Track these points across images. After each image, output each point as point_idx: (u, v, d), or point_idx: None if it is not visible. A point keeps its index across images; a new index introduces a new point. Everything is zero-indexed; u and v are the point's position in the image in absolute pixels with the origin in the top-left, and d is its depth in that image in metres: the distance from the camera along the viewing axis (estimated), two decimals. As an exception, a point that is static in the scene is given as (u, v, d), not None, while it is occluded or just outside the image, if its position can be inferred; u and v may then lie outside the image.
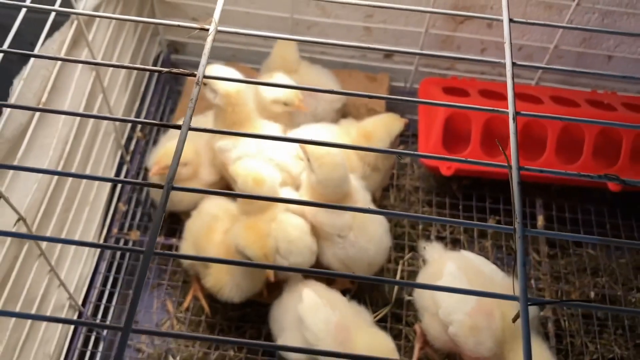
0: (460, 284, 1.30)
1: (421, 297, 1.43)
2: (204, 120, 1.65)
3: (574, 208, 1.83)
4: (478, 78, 1.92)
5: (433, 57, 1.94)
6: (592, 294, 1.70)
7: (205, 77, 0.77)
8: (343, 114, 1.80)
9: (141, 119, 0.80)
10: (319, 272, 0.78)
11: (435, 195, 1.84)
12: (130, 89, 1.74)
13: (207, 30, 0.81)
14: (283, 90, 1.62)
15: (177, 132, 1.61)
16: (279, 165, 1.55)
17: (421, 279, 1.44)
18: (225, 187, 1.66)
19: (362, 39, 1.89)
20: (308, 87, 0.86)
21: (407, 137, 1.98)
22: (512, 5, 1.60)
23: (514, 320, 0.64)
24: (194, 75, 0.78)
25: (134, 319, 1.69)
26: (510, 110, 0.78)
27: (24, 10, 1.03)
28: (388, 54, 1.94)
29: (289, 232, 1.44)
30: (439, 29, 1.82)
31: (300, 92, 1.64)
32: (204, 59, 0.78)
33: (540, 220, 1.78)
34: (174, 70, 0.77)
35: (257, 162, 1.48)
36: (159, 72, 0.76)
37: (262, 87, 1.63)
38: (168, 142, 1.64)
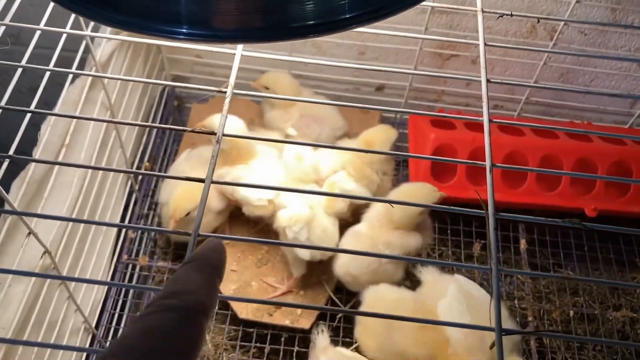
0: (461, 306, 1.42)
1: None
2: (206, 153, 1.77)
3: (554, 231, 1.96)
4: (464, 110, 2.05)
5: (421, 91, 2.07)
6: (572, 313, 1.82)
7: (224, 135, 0.89)
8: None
9: (166, 174, 0.91)
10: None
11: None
12: (139, 121, 1.85)
13: (225, 93, 0.93)
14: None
15: (184, 168, 1.74)
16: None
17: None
18: (234, 209, 1.79)
19: (354, 73, 2.02)
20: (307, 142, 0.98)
21: (399, 163, 2.10)
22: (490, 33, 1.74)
23: (491, 347, 0.76)
24: (214, 134, 0.89)
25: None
26: (487, 163, 0.90)
27: (47, 73, 1.14)
28: (379, 87, 2.07)
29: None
30: (426, 66, 1.95)
31: (304, 118, 1.78)
32: (222, 120, 0.90)
33: (522, 243, 1.90)
34: (197, 129, 0.89)
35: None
36: (184, 131, 0.87)
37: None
38: (175, 190, 1.72)
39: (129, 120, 1.74)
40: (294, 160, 1.67)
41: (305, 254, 1.62)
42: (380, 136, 1.76)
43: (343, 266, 1.63)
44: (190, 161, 1.78)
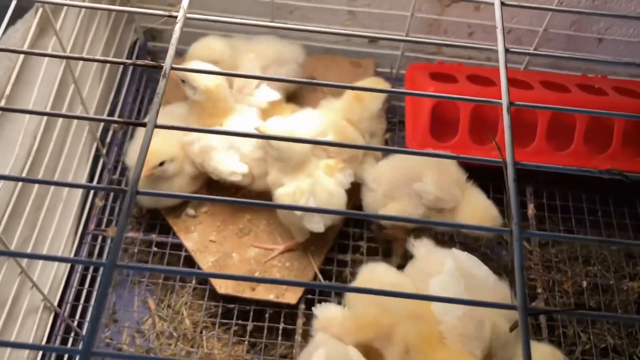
0: (458, 285, 1.25)
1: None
2: (179, 110, 1.59)
3: (565, 195, 1.79)
4: (465, 63, 1.86)
5: (419, 43, 1.88)
6: (585, 283, 1.66)
7: (173, 68, 0.71)
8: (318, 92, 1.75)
9: (104, 117, 0.73)
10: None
11: (423, 185, 1.78)
12: (105, 79, 1.66)
13: (176, 17, 0.75)
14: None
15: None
16: (245, 156, 1.53)
17: (407, 274, 1.39)
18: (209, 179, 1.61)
19: (346, 23, 1.83)
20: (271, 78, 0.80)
21: (394, 124, 1.92)
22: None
23: (512, 330, 0.59)
24: (161, 67, 0.71)
25: (114, 317, 1.64)
26: (504, 100, 0.72)
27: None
28: (373, 39, 1.88)
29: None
30: (424, 13, 1.75)
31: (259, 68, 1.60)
32: (171, 49, 0.72)
33: (530, 208, 1.73)
34: (139, 62, 0.70)
35: (285, 121, 1.49)
36: (123, 64, 0.69)
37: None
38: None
39: (89, 80, 1.54)
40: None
41: (318, 227, 1.46)
42: (372, 93, 1.58)
43: None
44: (161, 118, 1.59)
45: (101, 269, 1.64)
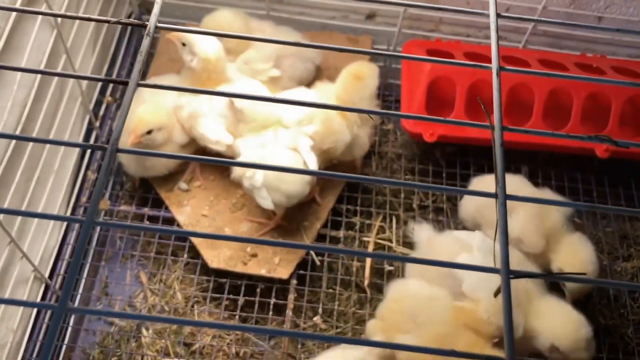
0: (487, 260, 1.25)
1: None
2: (170, 80, 1.58)
3: (561, 176, 1.78)
4: (463, 41, 1.84)
5: (417, 19, 1.86)
6: (578, 264, 1.65)
7: (157, 27, 0.69)
8: (319, 77, 1.72)
9: (85, 75, 0.73)
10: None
11: (418, 163, 1.77)
12: (99, 50, 1.64)
13: (161, -25, 0.73)
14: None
15: (146, 96, 1.55)
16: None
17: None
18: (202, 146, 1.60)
19: (343, -3, 1.80)
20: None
21: (390, 102, 1.90)
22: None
23: (495, 295, 0.58)
24: (145, 26, 0.70)
25: (106, 290, 1.64)
26: (494, 65, 0.71)
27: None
28: (370, 15, 1.85)
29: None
30: (422, -12, 1.73)
31: (275, 52, 1.57)
32: (156, 7, 0.70)
33: (526, 188, 1.72)
34: (123, 20, 0.69)
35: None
36: (107, 22, 0.68)
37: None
38: (138, 108, 1.56)
39: (81, 51, 1.53)
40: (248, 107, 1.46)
41: (266, 203, 1.45)
42: (369, 72, 1.56)
43: None
44: (151, 90, 1.58)
45: (93, 243, 1.64)
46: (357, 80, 1.54)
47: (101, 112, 1.71)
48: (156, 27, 0.69)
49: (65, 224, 1.57)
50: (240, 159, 1.44)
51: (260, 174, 1.42)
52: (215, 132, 1.49)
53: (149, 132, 1.47)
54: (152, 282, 1.59)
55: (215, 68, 1.50)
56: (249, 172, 1.43)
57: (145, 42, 0.68)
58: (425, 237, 1.42)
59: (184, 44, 1.49)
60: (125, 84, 0.65)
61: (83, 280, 1.60)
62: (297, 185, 1.43)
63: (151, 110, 1.47)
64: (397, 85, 1.82)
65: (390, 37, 1.86)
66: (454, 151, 1.78)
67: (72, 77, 1.28)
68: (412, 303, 1.24)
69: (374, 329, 1.26)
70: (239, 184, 1.53)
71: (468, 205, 1.51)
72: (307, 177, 1.43)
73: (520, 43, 1.83)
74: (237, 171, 1.46)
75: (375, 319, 1.30)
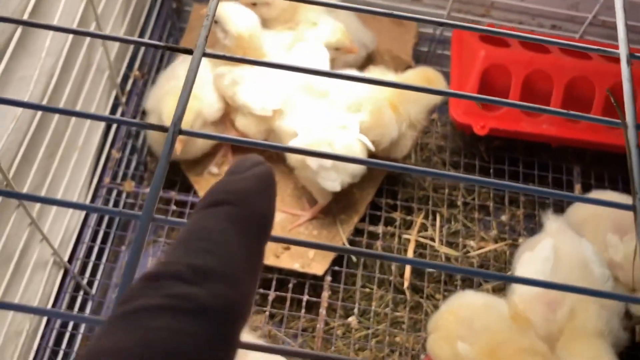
0: (543, 263, 1.14)
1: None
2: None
3: (614, 177, 1.66)
4: (517, 28, 1.72)
5: (466, 2, 1.73)
6: None
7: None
8: (373, 62, 1.60)
9: (145, 40, 0.62)
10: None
11: (462, 157, 1.66)
12: (128, 22, 1.53)
13: None
14: (333, 32, 1.42)
15: (178, 72, 1.43)
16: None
17: (526, 246, 1.29)
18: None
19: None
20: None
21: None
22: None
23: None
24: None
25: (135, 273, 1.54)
26: (622, 50, 0.60)
27: None
28: (418, -4, 1.73)
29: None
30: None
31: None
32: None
33: (577, 189, 1.61)
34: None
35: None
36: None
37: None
38: (169, 83, 1.45)
39: (112, 18, 1.42)
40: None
41: (334, 185, 1.33)
42: (440, 78, 1.44)
43: None
44: (186, 64, 1.47)
45: (114, 227, 1.54)
46: (427, 82, 1.41)
47: (128, 87, 1.60)
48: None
49: (90, 198, 1.48)
50: (296, 140, 1.33)
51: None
52: (259, 98, 1.37)
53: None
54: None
55: (249, 44, 1.39)
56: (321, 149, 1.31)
57: (213, 3, 0.57)
58: (555, 227, 1.30)
59: (216, 21, 1.38)
60: (190, 52, 0.54)
61: (102, 266, 1.50)
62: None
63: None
64: (445, 72, 1.69)
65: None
66: (501, 145, 1.66)
67: (125, 42, 1.17)
68: (468, 312, 1.14)
69: (435, 342, 1.17)
70: (276, 171, 1.42)
71: (577, 214, 1.38)
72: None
73: (577, 33, 1.71)
74: (286, 136, 1.35)
75: (431, 332, 1.20)
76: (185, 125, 0.50)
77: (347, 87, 1.37)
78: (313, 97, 1.35)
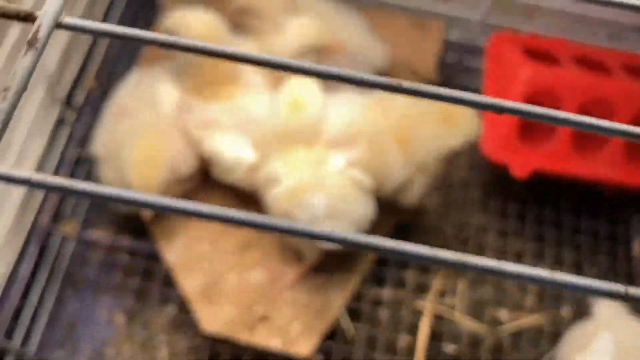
0: None
1: None
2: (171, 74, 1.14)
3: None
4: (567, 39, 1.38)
5: (505, 5, 1.39)
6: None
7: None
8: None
9: None
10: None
11: (493, 197, 1.34)
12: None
13: None
14: (306, 33, 1.10)
15: (127, 103, 1.08)
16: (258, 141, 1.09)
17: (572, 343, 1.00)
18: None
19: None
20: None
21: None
22: None
23: None
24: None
25: (72, 333, 1.24)
26: None
27: None
28: (445, -6, 1.40)
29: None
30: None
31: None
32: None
33: (637, 245, 1.28)
34: None
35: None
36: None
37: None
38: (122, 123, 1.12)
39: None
40: (286, 109, 1.03)
41: (330, 244, 1.02)
42: (467, 117, 1.11)
43: None
44: (145, 82, 1.15)
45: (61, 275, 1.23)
46: (446, 123, 1.09)
47: (79, 102, 1.28)
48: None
49: (22, 243, 1.17)
50: (279, 189, 1.02)
51: (321, 196, 1.00)
52: (233, 150, 1.06)
53: None
54: (134, 322, 1.19)
55: (220, 65, 1.06)
56: (305, 197, 1.01)
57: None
58: (607, 313, 1.04)
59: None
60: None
61: (45, 317, 1.20)
62: (368, 206, 1.03)
63: (148, 161, 1.05)
64: (472, 89, 1.37)
65: (467, 25, 1.41)
66: (539, 182, 1.33)
67: None
68: None
69: None
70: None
71: None
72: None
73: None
74: (266, 186, 1.05)
75: None
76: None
77: (341, 115, 1.06)
78: (296, 139, 1.03)
